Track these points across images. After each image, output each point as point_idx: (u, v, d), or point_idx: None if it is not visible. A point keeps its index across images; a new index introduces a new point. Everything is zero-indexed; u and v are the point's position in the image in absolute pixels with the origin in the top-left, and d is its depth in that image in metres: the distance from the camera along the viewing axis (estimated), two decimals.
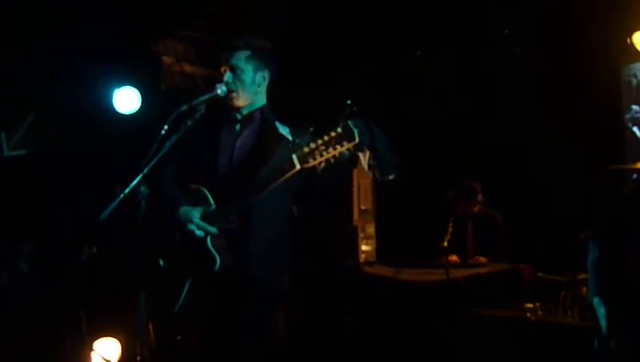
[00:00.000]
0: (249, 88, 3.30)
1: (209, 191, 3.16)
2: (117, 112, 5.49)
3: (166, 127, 3.05)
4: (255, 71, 3.31)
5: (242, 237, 3.11)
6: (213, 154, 3.27)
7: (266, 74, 3.35)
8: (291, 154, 2.90)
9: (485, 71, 5.87)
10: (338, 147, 2.83)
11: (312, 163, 2.87)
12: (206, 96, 3.21)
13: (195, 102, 3.16)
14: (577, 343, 4.07)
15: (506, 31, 5.54)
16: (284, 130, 3.22)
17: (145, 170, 2.98)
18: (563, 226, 4.83)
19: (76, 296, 5.16)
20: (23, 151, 5.48)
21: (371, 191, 6.28)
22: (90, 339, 5.02)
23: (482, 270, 5.06)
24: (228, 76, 3.27)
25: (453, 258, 5.36)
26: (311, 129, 3.00)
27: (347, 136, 2.83)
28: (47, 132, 5.61)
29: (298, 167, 2.89)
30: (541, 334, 4.32)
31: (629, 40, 5.20)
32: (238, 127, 3.33)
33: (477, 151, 5.95)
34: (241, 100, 3.30)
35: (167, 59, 5.63)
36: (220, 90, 3.25)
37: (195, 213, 3.11)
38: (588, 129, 5.39)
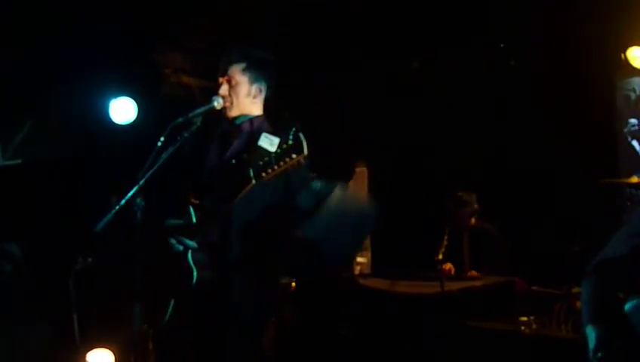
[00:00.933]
0: (244, 100, 3.31)
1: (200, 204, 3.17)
2: (113, 122, 5.49)
3: (162, 138, 3.06)
4: (251, 83, 3.33)
5: (221, 251, 3.14)
6: (201, 169, 3.31)
7: (263, 86, 3.36)
8: (248, 168, 2.91)
9: (482, 84, 5.89)
10: (287, 160, 2.84)
11: (265, 177, 2.88)
12: (202, 109, 3.23)
13: (191, 115, 3.18)
14: (571, 357, 4.07)
15: (502, 44, 5.57)
16: (267, 142, 3.20)
17: (141, 182, 2.99)
18: (558, 239, 4.85)
19: (70, 307, 5.14)
20: (18, 161, 5.48)
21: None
22: (84, 350, 5.00)
23: (477, 283, 5.06)
24: (224, 88, 3.29)
25: (448, 266, 5.36)
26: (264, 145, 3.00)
27: (296, 148, 2.84)
28: (43, 141, 5.60)
29: (253, 181, 2.90)
30: (535, 347, 4.32)
31: (623, 55, 5.25)
32: (226, 140, 3.35)
33: (472, 164, 5.97)
34: (235, 111, 3.32)
35: (164, 70, 5.64)
36: (217, 102, 3.27)
37: (176, 228, 3.14)
38: (584, 143, 5.42)
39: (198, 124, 3.17)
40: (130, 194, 2.97)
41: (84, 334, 5.06)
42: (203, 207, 3.12)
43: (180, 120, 3.14)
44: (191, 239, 3.10)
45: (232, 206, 3.02)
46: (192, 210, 3.15)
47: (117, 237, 3.26)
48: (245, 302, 3.17)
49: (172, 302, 3.13)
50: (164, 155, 3.06)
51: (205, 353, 3.20)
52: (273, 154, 2.85)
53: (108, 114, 5.47)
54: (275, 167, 2.85)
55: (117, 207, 2.97)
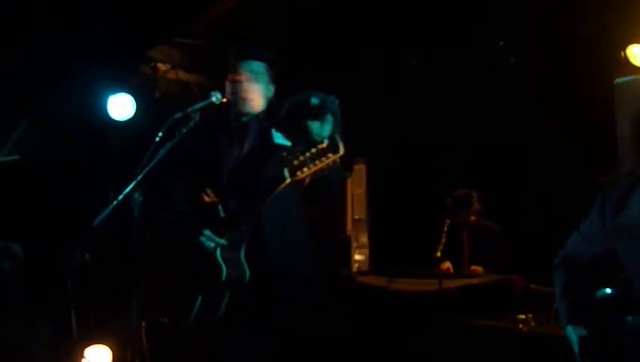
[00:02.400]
0: (259, 99, 3.35)
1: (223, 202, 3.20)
2: (111, 119, 5.48)
3: (160, 134, 3.06)
4: (267, 83, 3.38)
5: (255, 247, 3.17)
6: (216, 167, 3.30)
7: (272, 88, 3.42)
8: (283, 167, 2.94)
9: (481, 82, 5.89)
10: (324, 159, 2.89)
11: (300, 175, 2.92)
12: (201, 104, 3.22)
13: (190, 110, 3.17)
14: (568, 355, 4.07)
15: (501, 42, 5.57)
16: (279, 138, 3.25)
17: (139, 177, 2.98)
18: (557, 237, 4.84)
19: (67, 303, 5.14)
20: (16, 157, 5.46)
21: (365, 201, 6.29)
22: (82, 347, 5.00)
23: (475, 280, 5.07)
24: (246, 85, 3.29)
25: (446, 265, 5.36)
26: (298, 145, 3.04)
27: (333, 148, 2.90)
28: (40, 138, 5.59)
29: (288, 179, 2.93)
30: (533, 345, 4.32)
31: (623, 53, 5.24)
32: (235, 137, 3.35)
33: (472, 162, 5.97)
34: (248, 108, 3.33)
35: (162, 66, 5.63)
36: (215, 97, 3.26)
37: (206, 226, 3.15)
38: (583, 142, 5.42)
39: (197, 119, 3.16)
40: (127, 189, 2.97)
41: (81, 331, 5.07)
42: (228, 206, 3.14)
43: (178, 115, 3.13)
44: (220, 237, 3.11)
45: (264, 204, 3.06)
46: (220, 207, 3.17)
47: (115, 234, 3.26)
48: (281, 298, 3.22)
49: (199, 299, 3.13)
50: (162, 151, 3.06)
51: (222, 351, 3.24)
52: (308, 154, 2.90)
53: (106, 110, 5.46)
54: (311, 166, 2.90)
55: (114, 203, 2.96)
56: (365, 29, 5.34)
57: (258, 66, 3.34)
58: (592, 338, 2.54)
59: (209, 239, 3.12)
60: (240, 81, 3.30)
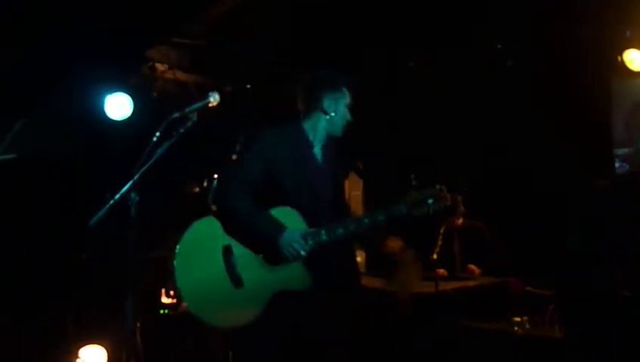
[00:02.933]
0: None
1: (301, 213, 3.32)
2: (109, 118, 5.48)
3: (158, 133, 3.05)
4: None
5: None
6: (305, 178, 3.38)
7: None
8: (404, 203, 3.32)
9: (479, 85, 5.90)
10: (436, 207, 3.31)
11: (417, 213, 3.26)
12: (198, 104, 3.22)
13: (187, 110, 3.17)
14: (564, 357, 4.08)
15: (499, 45, 5.58)
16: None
17: (136, 177, 2.98)
18: (553, 240, 4.85)
19: (63, 302, 5.13)
20: (12, 155, 5.46)
21: (362, 203, 6.28)
22: (77, 346, 4.99)
23: (471, 283, 5.07)
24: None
25: (441, 271, 5.37)
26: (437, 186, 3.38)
27: (452, 210, 3.17)
28: (38, 136, 5.58)
29: (404, 211, 3.30)
30: (528, 348, 4.33)
31: (619, 58, 5.25)
32: (318, 151, 3.46)
33: (470, 163, 5.97)
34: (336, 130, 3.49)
35: (160, 66, 5.63)
36: (213, 97, 3.26)
37: (297, 234, 3.25)
38: (580, 144, 5.43)
39: (194, 119, 3.16)
40: (124, 189, 2.96)
41: (77, 330, 5.06)
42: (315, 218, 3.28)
43: (176, 115, 3.13)
44: (307, 246, 3.24)
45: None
46: (301, 216, 3.29)
47: (111, 233, 3.26)
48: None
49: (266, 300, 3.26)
50: (159, 151, 3.05)
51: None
52: (430, 207, 3.31)
53: (104, 110, 5.46)
54: (426, 214, 3.29)
55: (111, 202, 2.96)
56: (364, 30, 5.34)
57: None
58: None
59: (303, 248, 3.25)
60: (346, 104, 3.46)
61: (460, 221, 5.73)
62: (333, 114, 3.42)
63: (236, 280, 3.25)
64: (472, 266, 5.52)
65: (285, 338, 3.29)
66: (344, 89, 3.46)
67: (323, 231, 3.27)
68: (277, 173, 3.32)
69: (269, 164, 3.32)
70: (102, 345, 4.97)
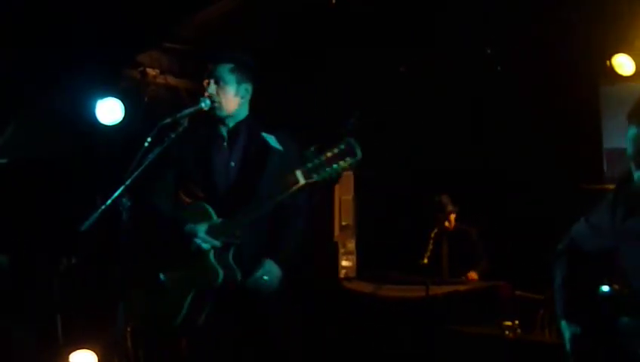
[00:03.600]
0: (232, 100, 3.34)
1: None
2: (100, 123, 5.46)
3: (149, 139, 3.06)
4: (238, 83, 3.36)
5: (250, 251, 3.20)
6: (207, 172, 3.32)
7: (249, 87, 3.40)
8: (295, 170, 2.97)
9: (467, 88, 5.93)
10: (341, 163, 2.92)
11: (315, 178, 2.95)
12: (190, 110, 3.24)
13: (178, 115, 3.18)
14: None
15: (488, 50, 5.61)
16: (271, 140, 3.28)
17: (127, 182, 2.98)
18: (543, 244, 4.87)
19: (53, 307, 5.11)
20: (3, 160, 5.44)
21: (352, 207, 6.29)
22: (67, 351, 4.97)
23: (462, 287, 5.09)
24: (212, 88, 3.32)
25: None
26: (312, 148, 3.05)
27: (350, 151, 2.93)
28: (28, 141, 5.56)
29: (302, 181, 2.96)
30: (519, 352, 4.34)
31: (608, 62, 5.29)
32: (225, 143, 3.38)
33: (456, 168, 6.00)
34: (224, 111, 3.34)
35: (151, 71, 5.62)
36: (204, 103, 3.28)
37: (201, 228, 3.17)
38: (568, 146, 5.46)
39: (185, 125, 3.17)
40: (116, 194, 2.96)
41: (67, 335, 5.04)
42: (222, 210, 3.18)
43: (167, 121, 3.14)
44: (215, 239, 3.14)
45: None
46: (210, 209, 3.21)
47: (102, 238, 3.26)
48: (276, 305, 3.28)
49: (187, 302, 3.16)
50: (151, 156, 3.06)
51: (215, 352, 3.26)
52: (323, 157, 2.93)
53: (94, 114, 5.44)
54: (327, 169, 2.92)
55: (102, 207, 2.96)
56: (353, 34, 5.36)
57: (223, 68, 3.35)
58: (584, 336, 2.55)
59: (204, 241, 3.15)
60: (207, 86, 3.33)
61: (453, 223, 5.75)
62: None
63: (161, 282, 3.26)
64: (472, 274, 5.53)
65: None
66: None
67: (225, 222, 3.19)
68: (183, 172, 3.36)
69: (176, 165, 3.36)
70: (92, 350, 4.95)
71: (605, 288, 2.56)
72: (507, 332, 4.44)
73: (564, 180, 5.32)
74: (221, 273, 3.14)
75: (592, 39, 5.15)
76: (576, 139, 5.50)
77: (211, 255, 3.16)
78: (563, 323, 2.62)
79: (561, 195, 5.20)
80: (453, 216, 5.80)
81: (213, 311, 3.19)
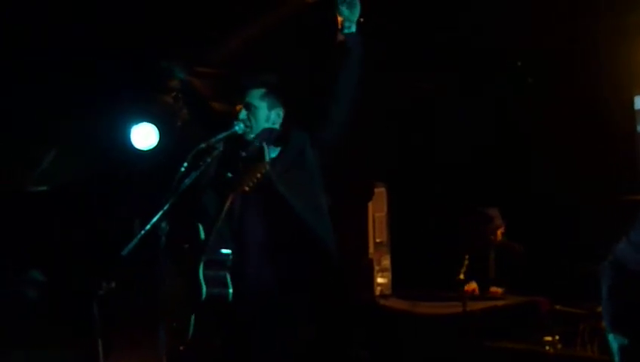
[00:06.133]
0: (263, 125, 3.36)
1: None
2: (135, 148, 5.55)
3: (185, 164, 3.10)
4: (270, 108, 3.39)
5: (236, 266, 3.20)
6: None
7: (280, 111, 3.42)
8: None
9: (500, 102, 5.90)
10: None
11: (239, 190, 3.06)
12: (224, 134, 3.27)
13: (213, 140, 3.22)
14: None
15: (519, 63, 5.58)
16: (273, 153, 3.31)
17: (165, 207, 3.02)
18: (583, 258, 4.81)
19: (94, 331, 5.17)
20: (44, 187, 5.55)
21: (386, 224, 6.28)
22: None
23: (500, 302, 5.03)
24: (243, 114, 3.34)
25: (472, 286, 5.32)
26: None
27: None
28: (66, 167, 5.67)
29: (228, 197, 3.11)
30: None
31: None
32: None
33: (494, 183, 5.95)
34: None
35: (183, 96, 5.69)
36: (238, 127, 3.31)
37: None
38: (603, 157, 5.39)
39: (220, 148, 3.21)
40: (155, 218, 3.00)
41: (108, 359, 5.08)
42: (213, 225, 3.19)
43: (203, 145, 3.18)
44: (200, 255, 3.16)
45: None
46: (200, 227, 3.23)
47: (140, 262, 3.30)
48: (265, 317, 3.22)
49: (192, 318, 3.17)
50: (187, 181, 3.10)
51: None
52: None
53: (129, 139, 5.53)
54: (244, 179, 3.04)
55: (142, 232, 3.00)
56: (384, 53, 5.38)
57: (254, 94, 3.38)
58: (632, 347, 2.53)
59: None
60: (239, 111, 3.37)
61: (499, 237, 5.66)
62: None
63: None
64: (494, 288, 5.46)
65: None
66: None
67: None
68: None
69: None
70: None
71: None
72: (548, 348, 4.39)
73: (601, 192, 5.25)
74: (205, 290, 3.14)
75: (626, 49, 5.10)
76: (612, 150, 5.43)
77: (200, 272, 3.16)
78: (610, 337, 2.61)
79: (599, 208, 5.14)
80: (500, 231, 5.68)
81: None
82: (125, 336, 5.10)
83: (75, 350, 5.19)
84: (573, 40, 5.16)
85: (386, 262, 6.20)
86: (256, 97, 3.37)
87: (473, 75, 5.65)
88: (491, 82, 5.76)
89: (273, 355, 3.17)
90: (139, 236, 2.99)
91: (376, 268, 6.19)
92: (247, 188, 3.00)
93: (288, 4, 4.73)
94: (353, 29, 3.26)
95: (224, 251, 3.19)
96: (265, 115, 3.37)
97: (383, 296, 5.88)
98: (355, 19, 3.25)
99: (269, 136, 3.29)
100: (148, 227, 3.00)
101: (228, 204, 3.09)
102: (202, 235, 3.21)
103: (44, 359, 5.15)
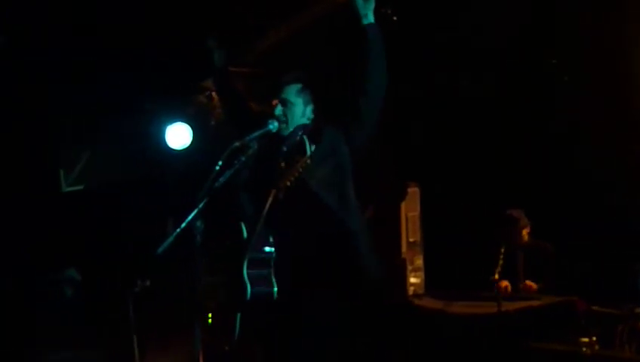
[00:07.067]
0: (299, 121, 3.39)
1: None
2: (169, 148, 5.60)
3: (220, 162, 3.12)
4: (305, 105, 3.41)
5: (279, 264, 3.21)
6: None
7: (314, 107, 3.45)
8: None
9: (533, 99, 5.84)
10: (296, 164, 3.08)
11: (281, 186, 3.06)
12: (258, 132, 3.30)
13: (247, 138, 3.23)
14: None
15: (554, 60, 5.52)
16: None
17: (200, 205, 3.04)
18: (619, 258, 4.74)
19: (129, 329, 5.23)
20: (80, 187, 5.63)
21: (419, 223, 6.25)
22: None
23: (535, 303, 4.97)
24: (279, 109, 3.37)
25: (505, 283, 5.28)
26: None
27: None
28: (101, 167, 5.75)
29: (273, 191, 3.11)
30: None
31: None
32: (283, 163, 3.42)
33: (528, 182, 5.90)
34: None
35: (217, 95, 5.72)
36: (272, 125, 3.33)
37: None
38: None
39: (255, 147, 3.22)
40: (190, 217, 3.03)
41: (143, 356, 5.14)
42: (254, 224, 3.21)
43: (237, 144, 3.19)
44: (243, 255, 3.18)
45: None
46: (243, 226, 3.25)
47: (175, 260, 3.33)
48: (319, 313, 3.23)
49: (238, 317, 3.20)
50: (222, 179, 3.12)
51: None
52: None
53: (164, 139, 5.58)
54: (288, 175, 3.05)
55: (177, 230, 3.02)
56: (415, 51, 5.36)
57: (290, 90, 3.42)
58: None
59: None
60: (275, 106, 3.41)
61: (526, 237, 5.63)
62: None
63: None
64: (529, 282, 5.42)
65: None
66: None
67: None
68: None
69: None
70: None
71: None
72: (585, 349, 4.32)
73: (638, 191, 5.17)
74: (249, 288, 3.17)
75: None
76: None
77: (244, 271, 3.19)
78: None
79: (637, 207, 5.06)
80: (526, 231, 5.66)
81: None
82: (161, 334, 5.15)
83: (110, 348, 5.26)
84: (609, 37, 5.09)
85: (419, 261, 6.17)
86: (293, 93, 3.40)
87: (508, 71, 5.61)
88: (526, 79, 5.70)
89: (314, 352, 3.19)
90: (174, 234, 3.01)
91: (409, 267, 6.16)
92: (288, 183, 3.01)
93: (321, 3, 4.74)
94: (372, 19, 3.26)
95: (267, 249, 3.20)
96: (301, 110, 3.40)
97: (416, 295, 5.85)
98: (371, 9, 3.27)
99: (310, 131, 3.31)
100: (183, 225, 3.02)
101: (270, 200, 3.09)
102: (245, 234, 3.23)
103: (80, 357, 5.22)
